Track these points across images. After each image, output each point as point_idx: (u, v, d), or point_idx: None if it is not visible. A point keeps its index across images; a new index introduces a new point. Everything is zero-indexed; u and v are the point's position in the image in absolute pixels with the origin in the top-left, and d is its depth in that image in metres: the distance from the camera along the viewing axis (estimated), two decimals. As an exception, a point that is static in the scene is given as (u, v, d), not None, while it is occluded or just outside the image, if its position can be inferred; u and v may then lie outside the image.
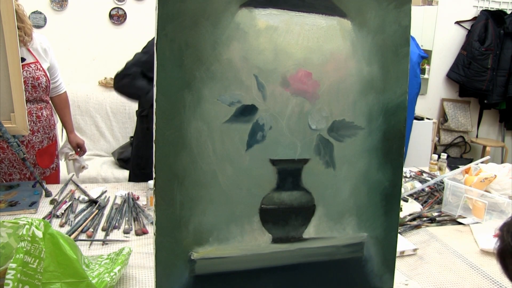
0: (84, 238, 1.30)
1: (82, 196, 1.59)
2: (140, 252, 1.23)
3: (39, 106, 1.85)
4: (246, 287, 0.87)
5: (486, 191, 1.62)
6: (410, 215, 1.57)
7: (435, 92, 4.58)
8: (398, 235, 1.01)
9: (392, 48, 0.89)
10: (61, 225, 1.37)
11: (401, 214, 1.56)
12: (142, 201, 1.58)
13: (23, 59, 1.70)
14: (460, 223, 1.55)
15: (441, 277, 1.19)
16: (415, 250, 1.32)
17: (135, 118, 2.00)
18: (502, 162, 3.24)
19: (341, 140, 0.88)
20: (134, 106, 3.60)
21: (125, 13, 3.65)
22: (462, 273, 1.22)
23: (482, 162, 1.82)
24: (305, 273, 0.90)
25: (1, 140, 1.71)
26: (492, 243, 1.34)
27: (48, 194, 1.60)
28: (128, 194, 1.60)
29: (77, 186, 1.70)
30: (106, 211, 1.49)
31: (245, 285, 0.86)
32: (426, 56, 3.60)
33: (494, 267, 1.25)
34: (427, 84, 4.50)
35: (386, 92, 0.90)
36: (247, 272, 0.86)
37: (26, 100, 1.60)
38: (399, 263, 1.23)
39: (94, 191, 1.65)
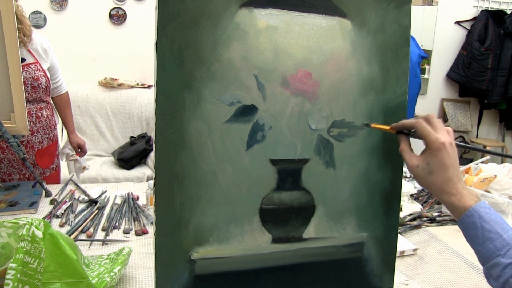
0: (84, 238, 1.30)
1: (82, 196, 1.59)
2: (140, 252, 1.23)
3: (39, 107, 1.85)
4: (246, 287, 0.87)
5: (486, 191, 1.62)
6: (410, 215, 1.57)
7: (435, 92, 4.58)
8: (398, 235, 1.00)
9: (392, 48, 0.89)
10: (61, 225, 1.37)
11: (401, 214, 1.56)
12: (142, 201, 1.58)
13: (23, 60, 1.70)
14: (460, 223, 1.55)
15: (441, 277, 1.19)
16: (415, 250, 1.32)
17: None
18: (502, 162, 3.23)
19: (341, 140, 0.88)
20: (134, 106, 3.62)
21: (125, 13, 3.65)
22: (462, 273, 1.22)
23: (482, 162, 1.82)
24: (305, 273, 0.90)
25: (1, 140, 1.71)
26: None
27: (48, 194, 1.60)
28: (128, 194, 1.60)
29: (77, 186, 1.70)
30: (106, 211, 1.49)
31: (245, 285, 0.86)
32: (426, 56, 3.60)
33: (494, 267, 1.25)
34: (427, 84, 4.50)
35: (386, 92, 0.90)
36: (247, 272, 0.86)
37: (25, 101, 1.60)
38: (399, 263, 1.23)
39: (94, 191, 1.65)
